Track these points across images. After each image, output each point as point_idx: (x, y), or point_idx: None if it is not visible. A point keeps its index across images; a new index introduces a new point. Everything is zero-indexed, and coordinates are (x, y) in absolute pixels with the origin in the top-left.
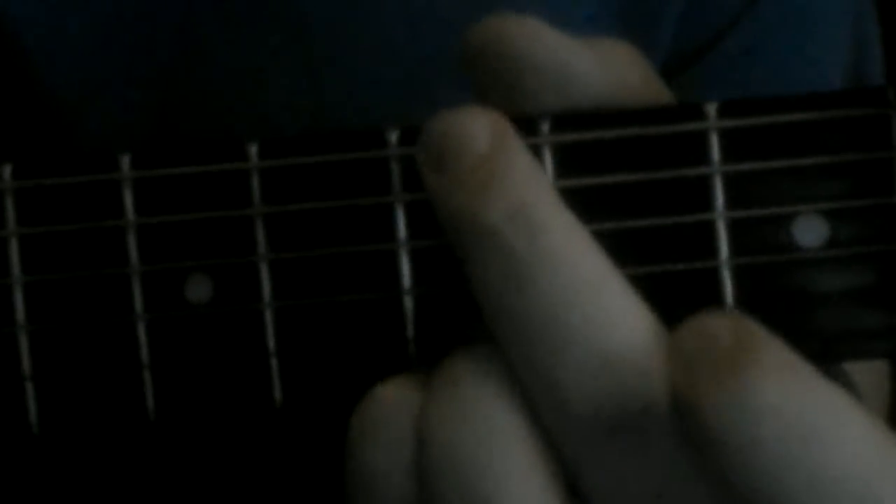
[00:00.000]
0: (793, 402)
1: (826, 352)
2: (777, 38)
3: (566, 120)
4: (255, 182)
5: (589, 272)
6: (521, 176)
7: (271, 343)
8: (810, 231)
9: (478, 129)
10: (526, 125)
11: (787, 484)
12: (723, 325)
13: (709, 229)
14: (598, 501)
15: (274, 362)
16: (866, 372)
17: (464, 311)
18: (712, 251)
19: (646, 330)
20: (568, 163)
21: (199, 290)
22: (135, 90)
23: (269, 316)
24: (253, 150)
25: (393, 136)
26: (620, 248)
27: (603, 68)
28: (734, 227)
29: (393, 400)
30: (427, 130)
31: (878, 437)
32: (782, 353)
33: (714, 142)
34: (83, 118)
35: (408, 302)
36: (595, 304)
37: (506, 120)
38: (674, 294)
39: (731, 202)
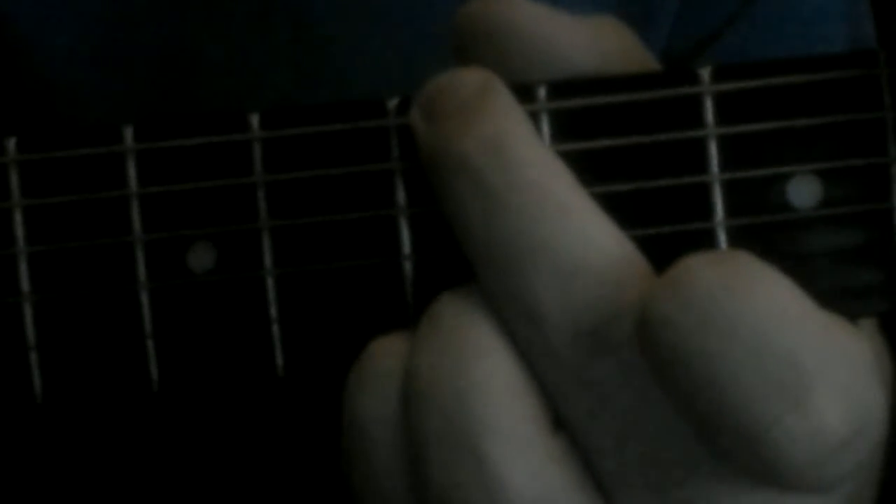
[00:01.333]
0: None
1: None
2: (772, 38)
3: (563, 86)
4: (257, 152)
5: (559, 194)
6: (498, 110)
7: (273, 310)
8: (804, 191)
9: (468, 79)
10: (523, 92)
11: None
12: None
13: (704, 191)
14: (580, 430)
15: (276, 329)
16: None
17: (462, 277)
18: (708, 213)
19: (615, 245)
20: (565, 128)
21: (201, 258)
22: (133, 77)
23: (270, 283)
24: (254, 120)
25: (392, 105)
26: (617, 211)
27: (588, 41)
28: (729, 189)
29: (383, 350)
30: (423, 89)
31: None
32: None
33: (708, 105)
34: (80, 107)
35: (407, 267)
36: (564, 221)
37: (497, 76)
38: (670, 256)
39: (726, 164)
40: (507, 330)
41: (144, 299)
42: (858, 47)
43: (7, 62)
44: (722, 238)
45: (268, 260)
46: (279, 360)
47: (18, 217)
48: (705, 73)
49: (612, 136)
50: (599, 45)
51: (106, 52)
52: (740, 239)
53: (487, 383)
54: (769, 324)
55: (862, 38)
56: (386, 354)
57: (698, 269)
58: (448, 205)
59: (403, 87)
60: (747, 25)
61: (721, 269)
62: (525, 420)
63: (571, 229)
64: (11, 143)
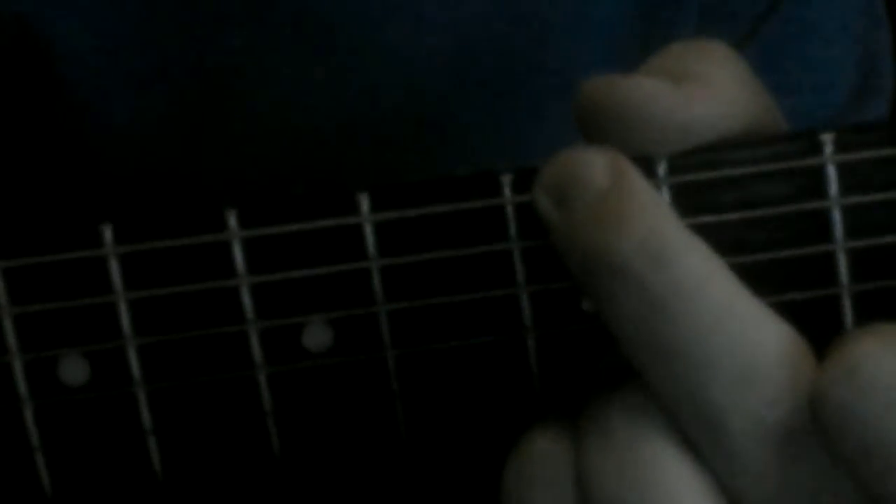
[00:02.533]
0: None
1: None
2: (787, 52)
3: (680, 161)
4: (369, 232)
5: (723, 296)
6: (645, 206)
7: (395, 385)
8: None
9: (598, 163)
10: (644, 166)
11: None
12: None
13: (830, 259)
14: None
15: (398, 405)
16: None
17: (585, 350)
18: (833, 280)
19: (785, 337)
20: (685, 202)
21: (319, 338)
22: (161, 86)
23: (391, 361)
24: (364, 201)
25: (506, 181)
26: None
27: (719, 107)
28: (854, 257)
29: (546, 452)
30: (546, 170)
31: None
32: None
33: (831, 174)
34: (111, 126)
35: (531, 343)
36: (733, 325)
37: (623, 156)
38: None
39: (850, 232)
40: (683, 437)
41: (262, 380)
42: (873, 59)
43: (38, 79)
44: (847, 305)
45: (386, 339)
46: (402, 434)
47: (123, 308)
48: (828, 139)
49: (733, 210)
50: (731, 116)
51: (137, 69)
52: (864, 304)
53: (676, 495)
54: None
55: (875, 51)
56: (550, 459)
57: (872, 351)
58: (605, 307)
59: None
60: (764, 40)
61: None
62: None
63: (742, 332)
64: (108, 233)
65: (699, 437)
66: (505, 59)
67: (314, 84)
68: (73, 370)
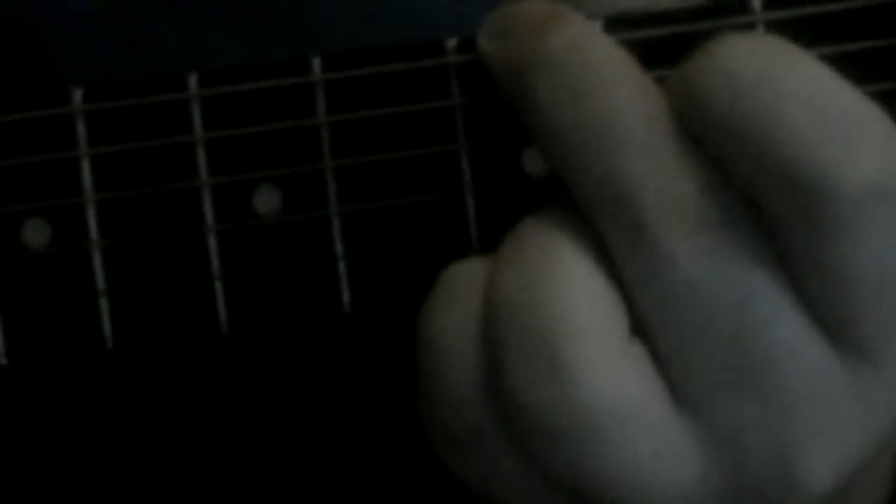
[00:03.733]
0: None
1: None
2: None
3: (616, 23)
4: (320, 94)
5: (635, 75)
6: (574, 23)
7: (339, 248)
8: None
9: (538, 4)
10: None
11: None
12: None
13: None
14: (660, 332)
15: (342, 266)
16: None
17: (524, 213)
18: None
19: None
20: None
21: (268, 201)
22: None
23: (336, 222)
24: (316, 63)
25: (451, 44)
26: None
27: None
28: None
29: (462, 269)
30: (489, 17)
31: None
32: None
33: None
34: None
35: (470, 201)
36: (644, 99)
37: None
38: None
39: None
40: (592, 241)
41: (212, 242)
42: None
43: (37, 80)
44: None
45: (332, 199)
46: (346, 298)
47: (86, 165)
48: (757, 2)
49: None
50: None
51: (138, 68)
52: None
53: (566, 290)
54: (821, 84)
55: None
56: (464, 273)
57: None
58: (529, 104)
59: None
60: None
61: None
62: (604, 326)
63: (649, 110)
64: (78, 94)
65: (615, 228)
66: None
67: None
68: (35, 233)
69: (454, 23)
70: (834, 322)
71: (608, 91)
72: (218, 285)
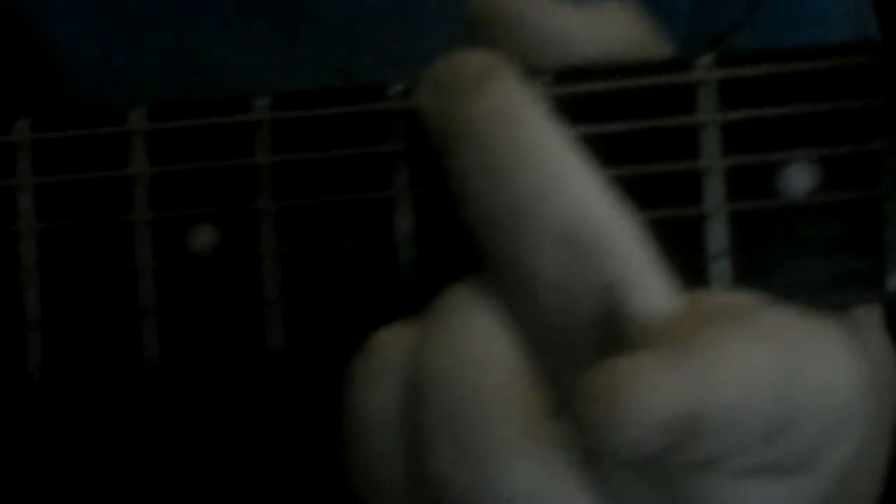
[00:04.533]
0: None
1: (814, 297)
2: (785, 36)
3: (567, 73)
4: (264, 133)
5: (561, 161)
6: (506, 85)
7: (273, 291)
8: (798, 178)
9: (475, 58)
10: (529, 78)
11: None
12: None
13: (698, 177)
14: None
15: (276, 309)
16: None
17: (464, 263)
18: (700, 198)
19: (611, 213)
20: (566, 114)
21: (204, 239)
22: (161, 81)
23: (271, 264)
24: (262, 104)
25: (393, 91)
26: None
27: (599, 34)
28: (726, 175)
29: (387, 341)
30: (430, 68)
31: None
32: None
33: (707, 92)
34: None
35: (405, 251)
36: (562, 187)
37: (502, 58)
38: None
39: (724, 150)
40: (511, 318)
41: (147, 278)
42: None
43: (38, 76)
44: (716, 224)
45: (269, 240)
46: (278, 341)
47: (28, 195)
48: (706, 60)
49: (613, 122)
50: (610, 36)
51: (137, 65)
52: (734, 224)
53: (485, 371)
54: None
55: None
56: (390, 345)
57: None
58: (453, 172)
59: None
60: (755, 29)
61: None
62: (523, 407)
63: (569, 194)
64: (25, 125)
65: (518, 303)
66: None
67: (310, 83)
68: None
69: None
70: None
71: (526, 176)
72: (150, 321)
